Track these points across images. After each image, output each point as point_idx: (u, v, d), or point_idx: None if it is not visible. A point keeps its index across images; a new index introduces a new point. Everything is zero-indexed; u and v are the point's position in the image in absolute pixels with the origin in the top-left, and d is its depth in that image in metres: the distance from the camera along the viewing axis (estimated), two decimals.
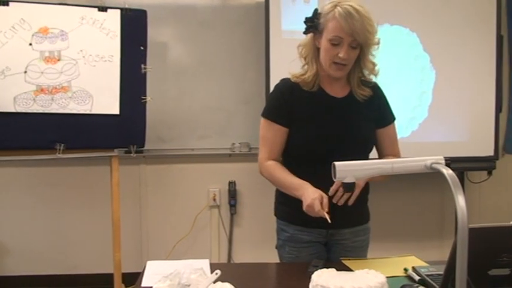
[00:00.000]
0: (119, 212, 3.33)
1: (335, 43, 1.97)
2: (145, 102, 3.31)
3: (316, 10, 2.05)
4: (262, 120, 2.15)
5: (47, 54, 3.16)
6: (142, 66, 3.31)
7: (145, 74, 3.32)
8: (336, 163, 1.53)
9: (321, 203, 1.86)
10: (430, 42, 3.84)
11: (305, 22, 2.05)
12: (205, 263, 1.94)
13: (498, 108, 3.91)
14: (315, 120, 2.08)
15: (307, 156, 2.06)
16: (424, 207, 4.23)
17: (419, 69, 3.84)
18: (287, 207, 2.18)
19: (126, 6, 3.32)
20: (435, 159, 1.44)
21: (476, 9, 3.85)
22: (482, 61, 3.87)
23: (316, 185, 1.95)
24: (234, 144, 3.99)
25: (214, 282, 1.60)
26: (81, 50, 3.21)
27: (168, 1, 3.90)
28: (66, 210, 3.97)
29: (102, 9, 3.27)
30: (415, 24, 3.82)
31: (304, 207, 1.91)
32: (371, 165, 1.61)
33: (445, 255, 1.53)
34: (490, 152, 3.89)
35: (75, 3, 3.30)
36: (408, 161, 1.53)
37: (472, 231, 1.26)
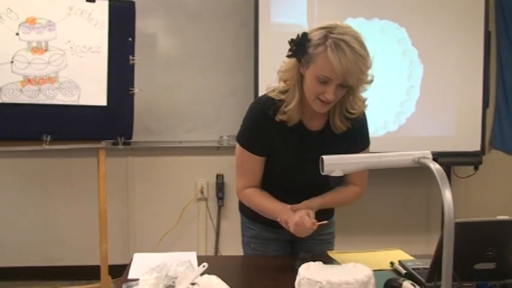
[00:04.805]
0: (106, 204, 3.32)
1: (322, 81, 1.77)
2: (133, 93, 3.29)
3: (305, 34, 1.79)
4: (239, 147, 2.03)
5: (34, 44, 3.13)
6: (130, 57, 3.29)
7: (133, 65, 3.30)
8: (324, 157, 1.52)
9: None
10: (419, 37, 3.84)
11: (290, 43, 1.81)
12: (192, 256, 1.93)
13: (485, 104, 3.93)
14: (287, 153, 1.99)
15: (279, 186, 2.03)
16: (411, 201, 4.25)
17: (408, 64, 3.85)
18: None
19: None
20: (422, 153, 1.44)
21: (465, 5, 3.86)
22: (470, 57, 3.89)
23: None
24: (222, 137, 3.97)
25: (201, 274, 1.60)
26: (69, 41, 3.19)
27: None
28: (52, 202, 3.94)
29: None
30: (404, 19, 3.83)
31: (293, 228, 1.87)
32: (358, 159, 1.61)
33: (431, 249, 1.55)
34: (477, 147, 3.92)
35: None
36: (395, 155, 1.53)
37: (458, 225, 1.27)
